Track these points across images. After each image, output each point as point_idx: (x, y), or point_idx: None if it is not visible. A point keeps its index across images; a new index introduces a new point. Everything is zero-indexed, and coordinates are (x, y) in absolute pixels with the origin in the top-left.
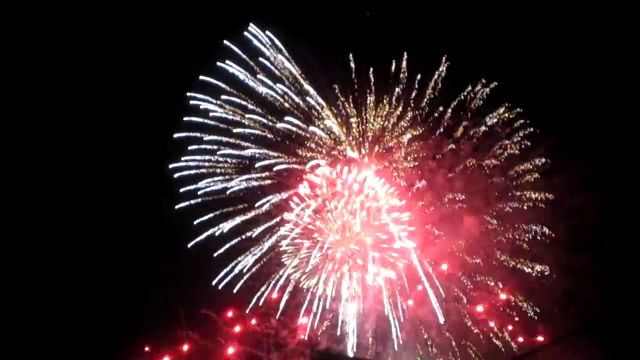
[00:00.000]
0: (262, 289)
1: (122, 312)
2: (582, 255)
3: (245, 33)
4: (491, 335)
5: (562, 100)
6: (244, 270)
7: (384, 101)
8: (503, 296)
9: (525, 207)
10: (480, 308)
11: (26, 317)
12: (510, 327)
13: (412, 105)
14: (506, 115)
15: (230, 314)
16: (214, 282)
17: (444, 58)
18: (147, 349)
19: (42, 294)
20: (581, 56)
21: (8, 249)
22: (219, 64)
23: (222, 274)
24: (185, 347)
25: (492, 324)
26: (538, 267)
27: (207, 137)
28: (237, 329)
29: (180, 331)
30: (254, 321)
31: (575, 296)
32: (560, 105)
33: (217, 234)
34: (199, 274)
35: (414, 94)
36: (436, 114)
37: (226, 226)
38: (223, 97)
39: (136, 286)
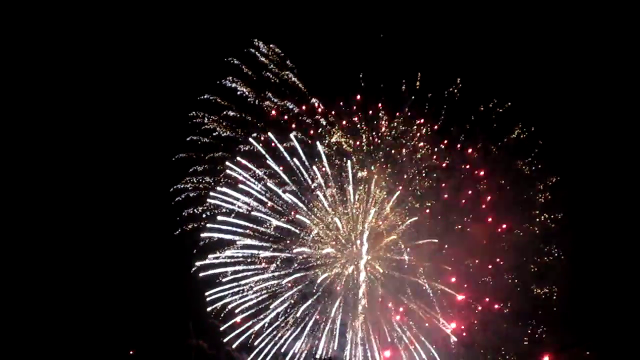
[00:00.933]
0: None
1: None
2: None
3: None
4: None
5: (569, 117)
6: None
7: (395, 120)
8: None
9: (536, 230)
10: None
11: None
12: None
13: (424, 123)
14: (517, 134)
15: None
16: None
17: (458, 80)
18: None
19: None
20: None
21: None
22: (224, 82)
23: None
24: None
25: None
26: (546, 289)
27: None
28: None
29: (190, 340)
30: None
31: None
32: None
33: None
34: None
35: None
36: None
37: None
38: (227, 114)
39: (146, 298)
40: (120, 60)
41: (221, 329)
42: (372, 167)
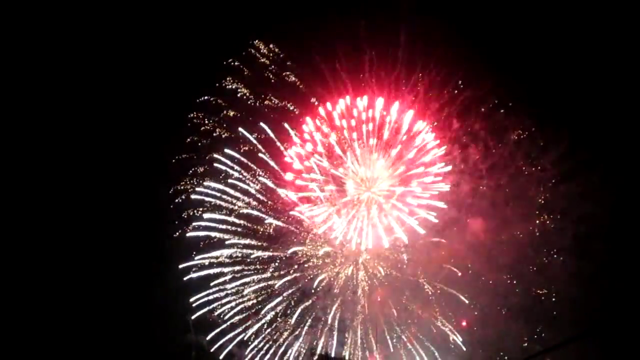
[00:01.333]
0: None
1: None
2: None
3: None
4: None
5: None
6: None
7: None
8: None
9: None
10: None
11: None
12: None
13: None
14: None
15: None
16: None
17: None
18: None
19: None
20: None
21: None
22: (224, 83)
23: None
24: None
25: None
26: (545, 289)
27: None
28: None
29: (190, 337)
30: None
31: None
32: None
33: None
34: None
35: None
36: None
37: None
38: (227, 114)
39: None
40: (119, 61)
41: (221, 327)
42: (372, 167)
